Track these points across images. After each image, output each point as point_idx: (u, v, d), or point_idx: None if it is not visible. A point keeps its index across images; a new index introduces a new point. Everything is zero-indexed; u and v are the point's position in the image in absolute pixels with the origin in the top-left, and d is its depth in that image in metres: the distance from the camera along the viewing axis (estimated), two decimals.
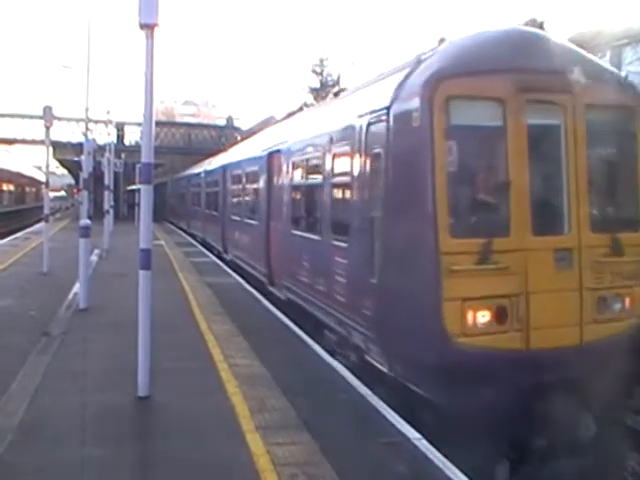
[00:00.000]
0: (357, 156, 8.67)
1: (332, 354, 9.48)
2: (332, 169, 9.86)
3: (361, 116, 8.62)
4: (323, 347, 9.83)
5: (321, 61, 51.52)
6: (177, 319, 11.69)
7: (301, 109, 26.30)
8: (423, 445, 6.13)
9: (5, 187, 61.64)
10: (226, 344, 9.90)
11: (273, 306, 13.12)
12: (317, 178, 10.78)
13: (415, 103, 7.18)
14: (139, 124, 38.36)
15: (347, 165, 9.07)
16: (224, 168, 23.14)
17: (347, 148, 9.11)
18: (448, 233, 6.80)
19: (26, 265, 19.35)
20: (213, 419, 6.82)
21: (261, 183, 15.78)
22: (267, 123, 36.84)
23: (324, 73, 51.30)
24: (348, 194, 9.19)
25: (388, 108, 7.73)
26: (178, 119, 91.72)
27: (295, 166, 12.43)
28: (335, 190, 9.99)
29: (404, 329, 7.25)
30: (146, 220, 7.42)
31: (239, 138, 49.84)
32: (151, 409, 7.15)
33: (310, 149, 11.31)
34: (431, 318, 6.77)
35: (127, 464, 5.74)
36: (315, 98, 47.71)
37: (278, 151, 13.89)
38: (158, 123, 51.37)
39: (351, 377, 8.27)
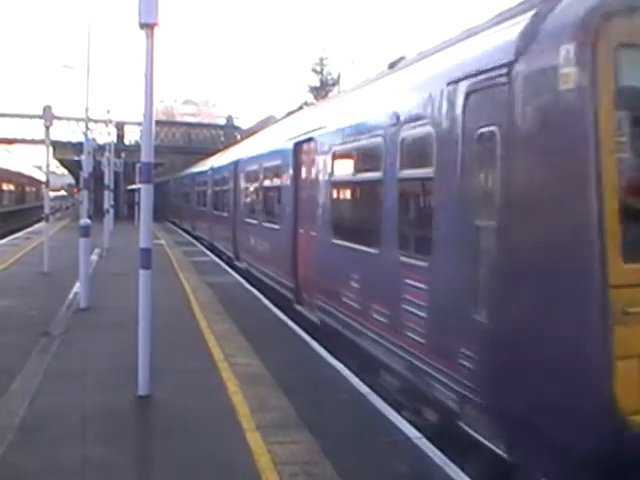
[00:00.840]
0: (446, 139, 6.32)
1: (388, 400, 7.38)
2: (400, 159, 7.43)
3: (454, 82, 6.21)
4: (376, 391, 7.66)
5: (321, 60, 51.62)
6: (177, 318, 11.70)
7: (301, 108, 25.90)
8: (424, 444, 6.12)
9: (5, 187, 61.61)
10: (226, 343, 9.90)
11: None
12: (374, 172, 8.33)
13: (564, 54, 4.87)
14: (139, 123, 38.26)
15: (426, 153, 6.81)
16: (236, 164, 20.47)
17: (427, 129, 6.75)
18: (620, 256, 4.55)
19: (27, 265, 19.37)
20: (214, 418, 6.82)
21: (285, 180, 13.35)
22: (267, 122, 36.82)
23: (324, 72, 51.38)
24: (429, 193, 6.91)
25: (509, 65, 5.40)
26: (178, 118, 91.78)
27: (338, 157, 9.92)
28: (405, 188, 7.57)
29: (541, 398, 4.95)
30: (146, 219, 7.41)
31: (239, 137, 49.85)
32: (152, 408, 7.15)
33: (362, 135, 8.79)
34: (591, 386, 4.56)
35: (128, 463, 5.73)
36: (315, 97, 47.77)
37: (310, 140, 11.40)
38: (158, 122, 51.34)
39: (352, 376, 8.26)
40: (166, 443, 6.14)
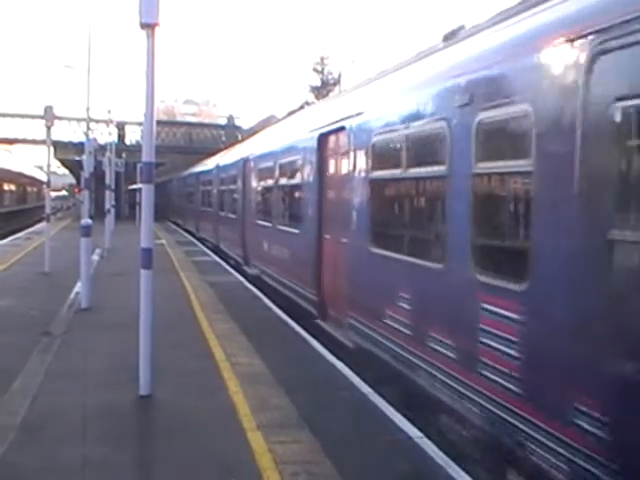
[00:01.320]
0: (555, 120, 4.77)
1: (444, 447, 6.11)
2: (475, 149, 5.85)
3: (570, 40, 4.65)
4: (430, 436, 6.34)
5: (322, 59, 51.68)
6: (178, 318, 11.70)
7: (302, 107, 25.89)
8: (425, 443, 6.12)
9: (6, 187, 61.64)
10: (227, 343, 9.90)
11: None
12: (434, 166, 6.71)
13: None
14: (140, 123, 38.38)
15: (519, 140, 5.30)
16: (245, 161, 18.82)
17: (522, 108, 5.17)
18: None
19: (28, 265, 19.38)
20: (215, 418, 6.82)
21: (307, 177, 11.81)
22: (268, 122, 36.80)
23: (325, 71, 51.44)
24: (524, 192, 5.31)
25: None
26: (179, 118, 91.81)
27: (379, 149, 8.28)
28: (483, 185, 5.95)
29: None
30: (147, 219, 7.42)
31: (240, 137, 49.84)
32: (153, 408, 7.15)
33: (416, 121, 7.08)
34: None
35: (129, 463, 5.73)
36: (316, 97, 47.78)
37: (340, 129, 9.82)
38: (159, 122, 51.38)
39: (352, 375, 8.26)
40: (167, 443, 6.14)
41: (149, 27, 7.12)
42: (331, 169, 10.58)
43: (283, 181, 13.96)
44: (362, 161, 8.75)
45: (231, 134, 58.92)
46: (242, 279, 17.23)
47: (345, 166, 9.60)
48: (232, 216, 20.86)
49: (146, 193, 7.44)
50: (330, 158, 10.62)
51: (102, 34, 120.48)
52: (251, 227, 17.28)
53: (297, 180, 12.65)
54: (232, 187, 21.47)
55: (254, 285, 15.59)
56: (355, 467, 5.66)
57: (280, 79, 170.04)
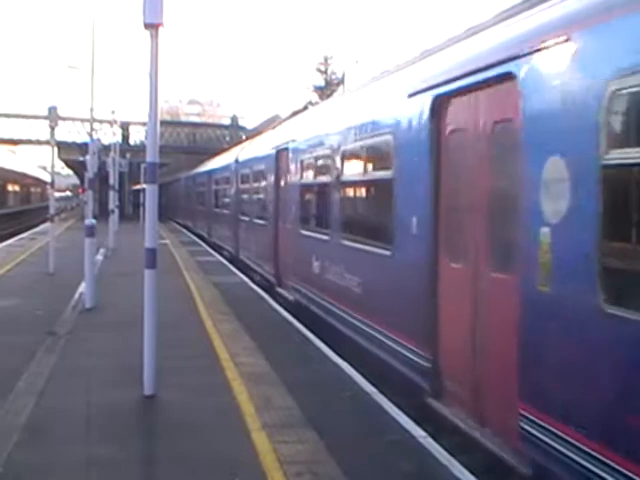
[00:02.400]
0: None
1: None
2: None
3: None
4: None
5: (325, 59, 51.74)
6: (183, 318, 11.71)
7: (306, 108, 25.72)
8: (429, 443, 6.12)
9: (11, 188, 61.78)
10: (232, 342, 9.91)
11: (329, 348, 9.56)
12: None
13: None
14: (144, 124, 38.47)
15: None
16: (278, 153, 14.82)
17: None
18: None
19: (32, 265, 19.44)
20: (219, 417, 6.83)
21: (383, 171, 8.49)
22: (272, 122, 36.80)
23: (329, 71, 51.49)
24: None
25: None
26: (183, 118, 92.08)
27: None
28: None
29: None
30: (151, 219, 7.43)
31: (244, 137, 49.88)
32: (157, 408, 7.16)
33: None
34: None
35: (133, 463, 5.74)
36: (320, 97, 47.79)
37: (503, 78, 5.71)
38: (163, 122, 51.46)
39: (356, 375, 8.26)
40: (171, 443, 6.15)
41: (153, 27, 7.12)
42: (455, 148, 6.72)
43: (348, 176, 9.99)
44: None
45: (235, 134, 59.01)
46: (246, 279, 17.24)
47: (457, 155, 6.54)
48: (259, 222, 16.97)
49: (150, 193, 7.45)
50: (456, 135, 6.72)
51: (106, 34, 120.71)
52: (290, 237, 13.36)
53: (382, 175, 8.63)
54: (258, 185, 17.60)
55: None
56: (359, 467, 5.66)
57: (284, 79, 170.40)
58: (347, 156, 10.05)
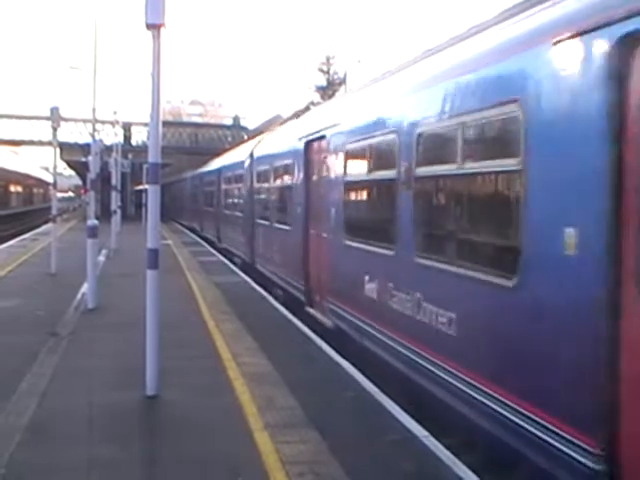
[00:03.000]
0: None
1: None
2: None
3: None
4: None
5: (327, 59, 51.69)
6: (185, 318, 11.71)
7: (308, 108, 25.45)
8: (431, 443, 6.11)
9: (13, 188, 61.88)
10: (234, 343, 9.91)
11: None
12: None
13: None
14: (146, 124, 38.49)
15: None
16: (307, 145, 12.31)
17: None
18: None
19: (34, 266, 19.45)
20: (221, 418, 6.82)
21: (502, 160, 5.75)
22: (274, 122, 36.79)
23: (330, 71, 51.43)
24: None
25: None
26: (185, 119, 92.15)
27: None
28: None
29: None
30: (153, 220, 7.43)
31: (246, 137, 49.90)
32: (159, 408, 7.16)
33: None
34: None
35: (135, 463, 5.74)
36: (322, 97, 47.78)
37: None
38: (165, 123, 51.41)
39: (359, 375, 8.26)
40: (174, 443, 6.14)
41: (155, 28, 7.13)
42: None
43: (440, 166, 6.96)
44: None
45: (237, 134, 59.05)
46: (248, 279, 17.24)
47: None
48: (282, 227, 14.44)
49: (152, 194, 7.45)
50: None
51: (108, 35, 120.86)
52: (327, 248, 10.82)
53: (502, 164, 5.77)
54: (281, 184, 15.00)
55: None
56: (362, 467, 5.65)
57: (285, 79, 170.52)
58: (427, 141, 7.26)
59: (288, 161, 13.95)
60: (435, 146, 7.24)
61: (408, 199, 7.55)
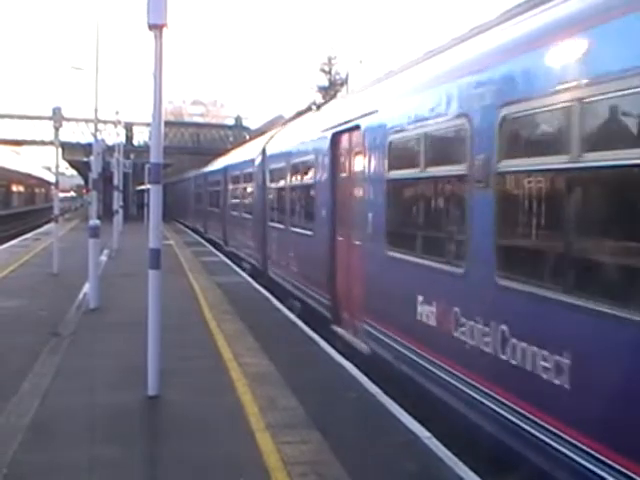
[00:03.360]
0: None
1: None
2: None
3: None
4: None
5: (329, 60, 51.70)
6: (187, 318, 11.71)
7: (310, 109, 25.28)
8: (434, 444, 6.10)
9: (15, 188, 61.93)
10: (235, 343, 9.90)
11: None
12: None
13: None
14: (148, 124, 38.50)
15: None
16: (335, 137, 10.66)
17: None
18: None
19: (36, 266, 19.46)
20: (223, 418, 6.82)
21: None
22: (276, 122, 36.75)
23: (332, 72, 51.44)
24: None
25: None
26: (187, 119, 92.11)
27: None
28: None
29: None
30: (155, 220, 7.43)
31: (247, 137, 49.92)
32: (161, 408, 7.15)
33: None
34: None
35: (137, 463, 5.74)
36: (324, 97, 47.76)
37: None
38: (167, 123, 51.41)
39: (361, 376, 8.25)
40: (175, 443, 6.14)
41: (157, 28, 7.13)
42: None
43: (533, 160, 5.33)
44: None
45: (239, 134, 59.07)
46: (250, 279, 17.23)
47: None
48: (302, 232, 12.79)
49: (154, 194, 7.45)
50: None
51: (110, 35, 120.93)
52: (362, 258, 9.21)
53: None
54: (300, 182, 13.30)
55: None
56: (364, 467, 5.64)
57: (287, 79, 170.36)
58: (519, 125, 5.59)
59: (309, 157, 12.29)
60: (534, 132, 5.52)
61: (485, 201, 5.80)
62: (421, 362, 7.08)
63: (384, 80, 9.69)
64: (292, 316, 12.10)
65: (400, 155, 8.11)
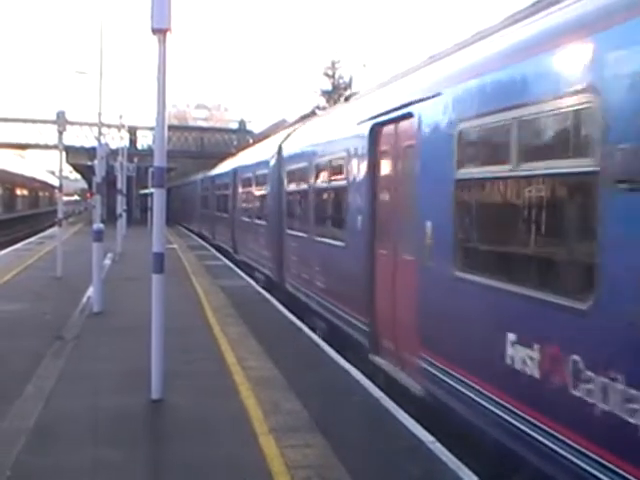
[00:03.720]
0: None
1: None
2: None
3: None
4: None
5: (333, 64, 51.63)
6: (190, 322, 11.71)
7: (314, 112, 25.16)
8: (437, 448, 6.09)
9: (19, 192, 62.04)
10: (239, 347, 9.90)
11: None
12: None
13: None
14: (152, 128, 38.53)
15: None
16: (380, 127, 8.88)
17: None
18: None
19: (40, 269, 19.48)
20: (226, 422, 6.82)
21: None
22: (279, 126, 36.76)
23: (336, 76, 51.39)
24: None
25: None
26: (190, 123, 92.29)
27: None
28: None
29: None
30: (159, 224, 7.44)
31: (251, 141, 49.96)
32: (164, 412, 7.15)
33: None
34: None
35: (141, 467, 5.73)
36: (327, 101, 47.78)
37: None
38: (170, 127, 51.61)
39: (364, 380, 8.25)
40: (179, 447, 6.14)
41: (161, 32, 7.14)
42: None
43: None
44: None
45: (243, 138, 59.13)
46: (253, 283, 17.23)
47: None
48: (330, 242, 10.87)
49: (158, 197, 7.46)
50: None
51: (114, 40, 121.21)
52: (416, 279, 7.38)
53: None
54: (326, 185, 11.41)
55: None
56: (367, 472, 5.64)
57: (291, 83, 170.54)
58: None
59: (339, 155, 10.40)
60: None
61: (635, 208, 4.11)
62: (511, 421, 5.31)
63: (451, 54, 7.68)
64: (296, 319, 12.06)
65: (477, 149, 6.41)
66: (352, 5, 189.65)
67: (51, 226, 42.26)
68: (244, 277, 18.60)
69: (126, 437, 6.34)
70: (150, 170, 19.88)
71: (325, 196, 11.69)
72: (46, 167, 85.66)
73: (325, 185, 11.51)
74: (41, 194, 77.00)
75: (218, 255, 25.65)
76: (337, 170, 10.67)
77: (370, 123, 9.00)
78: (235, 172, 23.56)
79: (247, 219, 20.23)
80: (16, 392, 7.47)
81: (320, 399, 7.47)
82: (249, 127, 67.53)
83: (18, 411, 6.94)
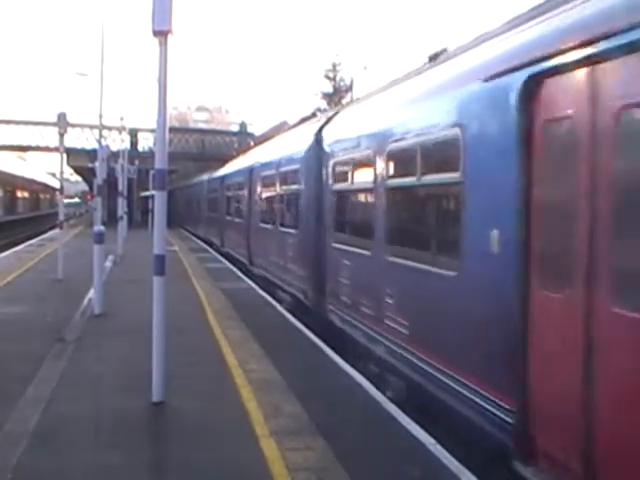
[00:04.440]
0: None
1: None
2: None
3: None
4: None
5: (334, 66, 51.82)
6: (191, 324, 11.71)
7: (314, 115, 24.99)
8: (438, 451, 6.08)
9: (20, 194, 62.08)
10: (240, 349, 9.89)
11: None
12: None
13: None
14: (153, 130, 38.52)
15: None
16: (542, 82, 5.07)
17: None
18: None
19: (41, 271, 19.49)
20: (228, 424, 6.81)
21: None
22: (280, 128, 36.74)
23: (337, 78, 51.54)
24: None
25: None
26: (191, 125, 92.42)
27: None
28: None
29: None
30: (160, 226, 7.43)
31: (252, 144, 49.98)
32: (165, 414, 7.14)
33: None
34: None
35: (142, 469, 5.72)
36: (328, 103, 47.84)
37: None
38: (172, 129, 51.69)
39: (366, 383, 8.24)
40: (180, 449, 6.12)
41: (162, 34, 7.14)
42: None
43: None
44: None
45: (243, 141, 59.21)
46: (254, 285, 17.22)
47: None
48: (433, 270, 7.02)
49: (159, 200, 7.46)
50: None
51: (115, 42, 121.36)
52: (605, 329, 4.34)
53: None
54: (413, 183, 7.68)
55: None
56: (369, 474, 5.63)
57: (292, 86, 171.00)
58: None
59: (441, 133, 6.87)
60: None
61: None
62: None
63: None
64: (297, 322, 12.03)
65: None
66: (353, 8, 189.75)
67: (52, 228, 42.27)
68: (245, 280, 18.58)
69: (127, 440, 6.33)
70: (151, 172, 19.85)
71: (413, 196, 8.13)
72: (47, 169, 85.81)
73: (413, 180, 7.66)
74: (42, 196, 77.05)
75: (219, 257, 25.63)
76: (437, 156, 7.23)
77: (526, 73, 5.27)
78: (251, 170, 20.10)
79: (268, 226, 16.74)
80: (17, 394, 7.46)
81: (321, 402, 7.46)
82: (250, 129, 67.71)
83: (19, 413, 6.93)
